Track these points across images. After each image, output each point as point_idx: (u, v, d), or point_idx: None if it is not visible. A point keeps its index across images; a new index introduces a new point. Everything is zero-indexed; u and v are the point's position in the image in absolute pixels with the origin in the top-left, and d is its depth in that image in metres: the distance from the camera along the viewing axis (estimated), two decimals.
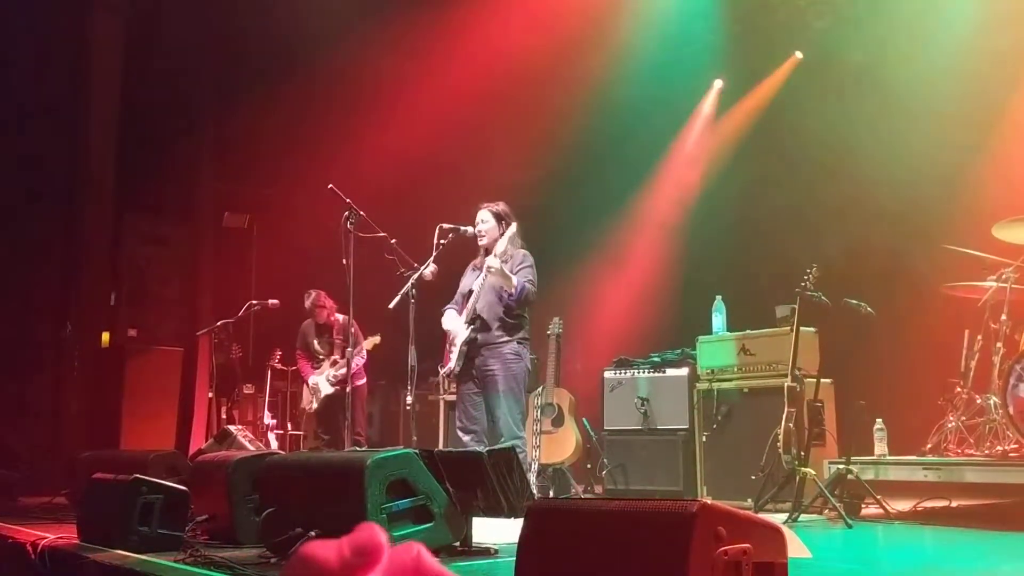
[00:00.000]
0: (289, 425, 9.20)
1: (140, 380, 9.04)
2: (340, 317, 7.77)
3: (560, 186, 9.03)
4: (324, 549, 0.70)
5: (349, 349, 6.64)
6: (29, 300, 9.02)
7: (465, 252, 6.04)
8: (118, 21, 9.27)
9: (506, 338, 5.66)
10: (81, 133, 9.19)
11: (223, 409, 8.62)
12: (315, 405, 7.93)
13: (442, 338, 5.93)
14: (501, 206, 5.84)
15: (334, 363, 7.91)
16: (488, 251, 5.81)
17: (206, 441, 6.74)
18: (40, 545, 4.30)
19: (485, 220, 5.80)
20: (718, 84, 9.28)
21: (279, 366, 9.10)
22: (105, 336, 9.18)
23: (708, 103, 9.31)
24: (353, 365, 6.49)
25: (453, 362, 5.70)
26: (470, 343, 5.66)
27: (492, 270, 5.51)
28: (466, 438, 5.66)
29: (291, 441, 9.03)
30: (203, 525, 4.37)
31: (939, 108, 6.80)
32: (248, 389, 9.26)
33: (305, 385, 8.25)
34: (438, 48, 8.80)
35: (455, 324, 5.77)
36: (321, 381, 7.95)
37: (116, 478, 4.35)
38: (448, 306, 5.95)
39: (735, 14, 8.50)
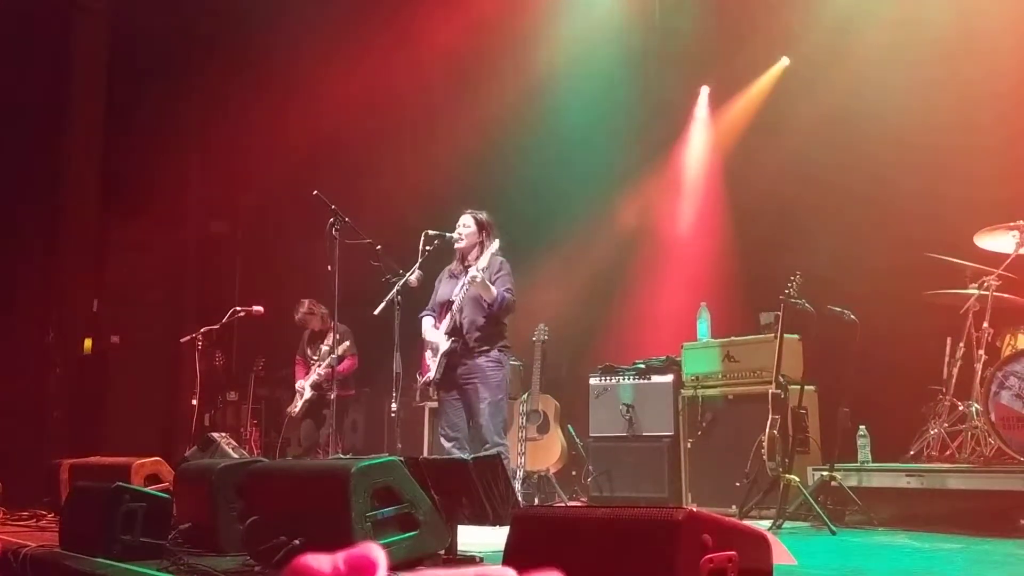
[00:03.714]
0: (272, 433, 9.16)
1: (123, 387, 9.00)
2: (338, 325, 7.66)
3: (546, 192, 9.04)
4: (319, 563, 0.69)
5: (332, 356, 6.62)
6: (11, 306, 8.95)
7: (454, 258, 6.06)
8: (101, 24, 9.24)
9: (487, 347, 5.68)
10: (65, 137, 9.14)
11: (206, 416, 8.57)
12: (298, 408, 7.90)
13: (421, 346, 5.92)
14: (483, 215, 5.86)
15: (317, 369, 7.88)
16: (464, 255, 5.83)
17: (189, 448, 6.70)
18: (21, 553, 4.27)
19: (467, 225, 5.83)
20: (704, 91, 9.31)
21: (263, 373, 9.05)
22: (88, 342, 9.13)
23: (693, 111, 9.34)
24: (336, 369, 6.48)
25: (433, 371, 5.70)
26: (451, 353, 5.66)
27: (476, 280, 5.52)
28: (448, 445, 5.68)
29: (272, 447, 8.98)
30: (186, 533, 4.34)
31: (922, 117, 6.84)
32: (232, 396, 9.21)
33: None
34: (429, 54, 8.81)
35: (435, 334, 5.77)
36: (305, 385, 7.92)
37: (98, 485, 4.32)
38: (424, 313, 5.94)
39: (720, 21, 8.54)
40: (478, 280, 5.52)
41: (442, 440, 5.75)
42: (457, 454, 5.38)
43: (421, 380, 5.87)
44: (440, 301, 5.87)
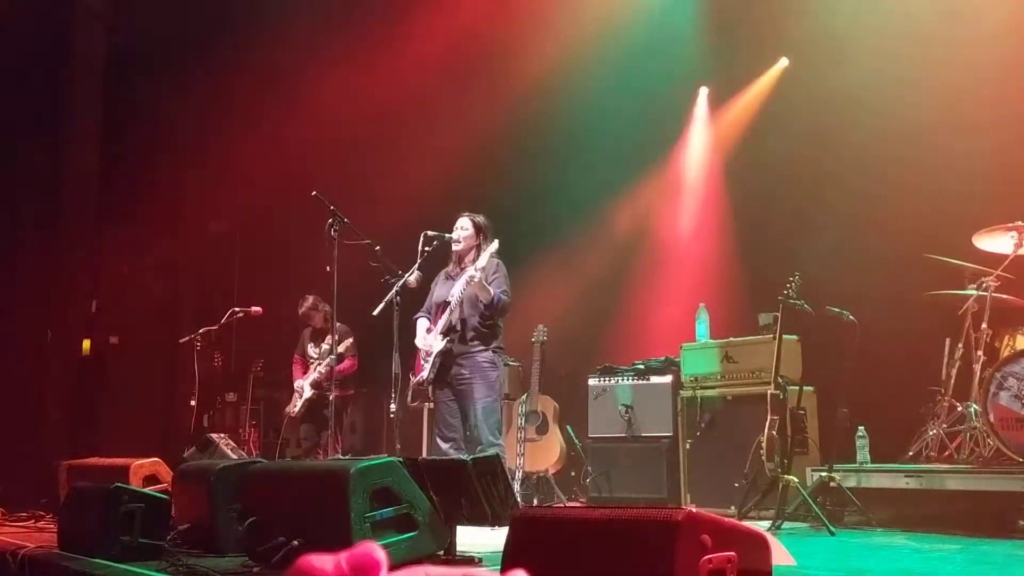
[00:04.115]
0: (271, 434, 9.15)
1: (121, 388, 8.99)
2: (338, 325, 7.64)
3: (545, 193, 9.05)
4: (322, 563, 0.69)
5: (332, 356, 6.61)
6: (9, 306, 8.95)
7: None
8: (100, 25, 9.24)
9: (481, 347, 5.70)
10: (63, 138, 9.14)
11: (205, 417, 8.56)
12: (298, 407, 7.90)
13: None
14: (481, 218, 5.89)
15: (316, 369, 7.86)
16: (461, 258, 5.85)
17: (188, 449, 6.69)
18: (20, 554, 4.27)
19: (464, 228, 5.86)
20: (704, 92, 9.32)
21: (261, 374, 9.04)
22: (86, 343, 9.12)
23: (693, 112, 9.34)
24: (336, 369, 6.49)
25: (426, 372, 5.71)
26: (445, 353, 5.68)
27: (474, 280, 5.53)
28: (445, 446, 5.70)
29: (270, 447, 8.97)
30: (185, 534, 4.34)
31: (921, 118, 6.85)
32: (230, 397, 9.20)
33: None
34: (423, 63, 8.82)
35: (429, 337, 5.78)
36: (304, 384, 7.91)
37: (97, 486, 4.32)
38: (419, 315, 5.96)
39: (719, 22, 8.54)
40: (476, 280, 5.53)
41: (439, 441, 5.77)
42: (454, 455, 5.38)
43: (414, 380, 5.89)
44: (436, 302, 5.90)
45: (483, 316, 5.69)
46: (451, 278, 5.89)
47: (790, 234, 7.56)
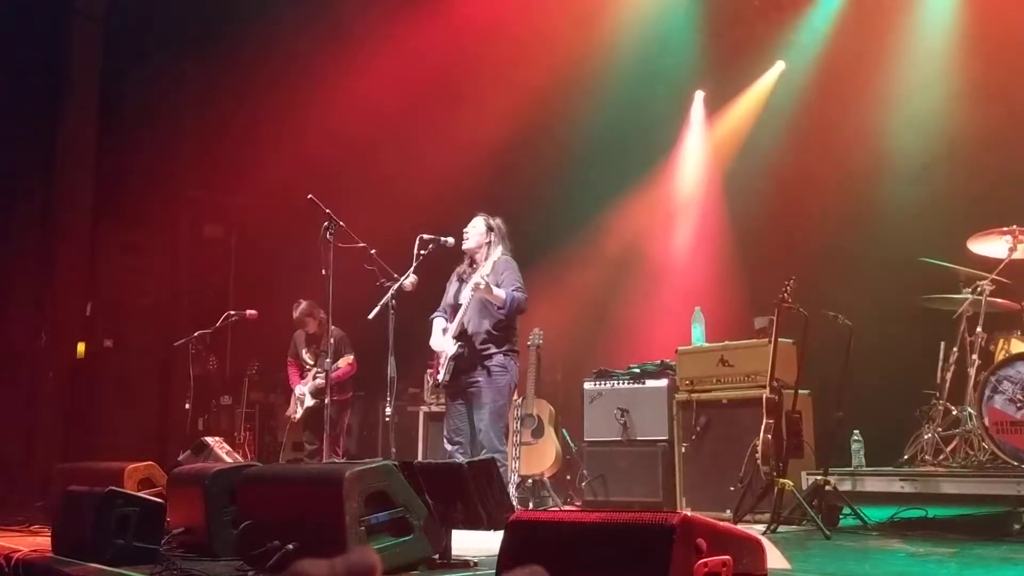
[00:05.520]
0: (266, 437, 9.13)
1: (116, 391, 8.97)
2: (333, 329, 7.65)
3: (543, 197, 9.05)
4: (317, 569, 0.69)
5: (328, 361, 6.60)
6: (4, 309, 8.92)
7: (449, 262, 6.07)
8: (97, 28, 9.23)
9: (493, 350, 5.69)
10: (58, 141, 9.12)
11: (200, 420, 8.54)
12: (299, 414, 7.88)
13: (427, 348, 5.95)
14: (497, 220, 5.89)
15: (315, 376, 7.85)
16: (472, 256, 5.85)
17: (183, 453, 6.67)
18: (14, 558, 4.25)
19: (475, 225, 5.86)
20: (699, 95, 9.33)
21: (256, 377, 9.02)
22: (81, 346, 9.10)
23: (689, 115, 9.36)
24: (332, 377, 6.48)
25: (442, 374, 5.72)
26: (458, 357, 5.68)
27: (480, 288, 5.53)
28: (451, 448, 5.72)
29: (265, 450, 8.96)
30: (179, 538, 4.33)
31: (916, 121, 6.87)
32: (225, 400, 9.19)
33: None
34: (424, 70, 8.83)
35: (443, 340, 5.78)
36: (305, 391, 7.89)
37: (91, 490, 4.30)
38: (436, 314, 5.96)
39: (715, 26, 8.57)
40: (482, 287, 5.53)
41: (446, 443, 5.79)
42: (459, 459, 5.38)
43: (430, 381, 5.93)
44: (449, 303, 5.90)
45: (497, 319, 5.69)
46: (462, 279, 5.90)
47: (786, 237, 7.57)
